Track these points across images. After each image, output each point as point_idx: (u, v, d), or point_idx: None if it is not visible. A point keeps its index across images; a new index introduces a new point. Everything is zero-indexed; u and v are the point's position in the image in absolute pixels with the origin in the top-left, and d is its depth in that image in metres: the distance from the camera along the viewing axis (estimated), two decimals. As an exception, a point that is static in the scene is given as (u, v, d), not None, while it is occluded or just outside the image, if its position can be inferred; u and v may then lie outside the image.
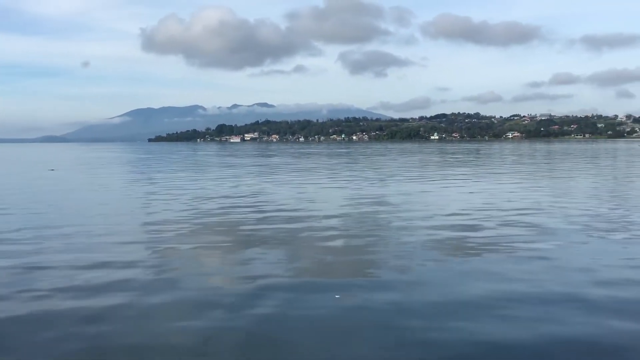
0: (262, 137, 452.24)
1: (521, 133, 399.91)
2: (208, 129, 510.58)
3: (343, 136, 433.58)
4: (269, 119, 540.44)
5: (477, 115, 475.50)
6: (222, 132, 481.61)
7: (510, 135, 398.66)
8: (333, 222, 19.93)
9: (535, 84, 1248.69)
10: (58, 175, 48.85)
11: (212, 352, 8.37)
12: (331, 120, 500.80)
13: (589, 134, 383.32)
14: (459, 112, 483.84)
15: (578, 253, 14.38)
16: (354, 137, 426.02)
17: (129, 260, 13.82)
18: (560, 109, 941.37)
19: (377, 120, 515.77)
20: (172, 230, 18.30)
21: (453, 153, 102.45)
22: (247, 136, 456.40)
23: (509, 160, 73.96)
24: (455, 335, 8.78)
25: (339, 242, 16.12)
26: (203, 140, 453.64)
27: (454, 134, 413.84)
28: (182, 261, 13.90)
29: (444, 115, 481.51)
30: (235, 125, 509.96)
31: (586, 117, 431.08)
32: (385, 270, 12.77)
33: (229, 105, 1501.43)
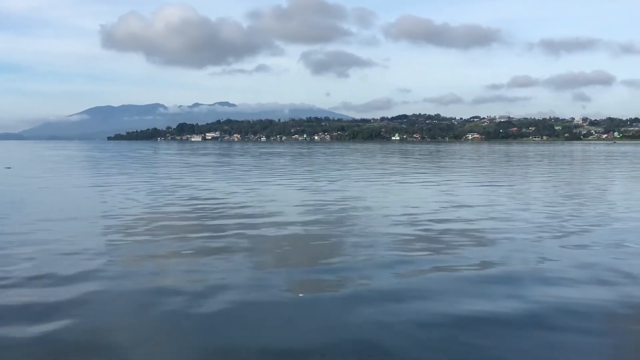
0: (223, 137, 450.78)
1: (481, 134, 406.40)
2: (169, 127, 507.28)
3: (305, 136, 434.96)
4: (230, 118, 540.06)
5: (437, 116, 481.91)
6: (183, 131, 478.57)
7: (470, 136, 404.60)
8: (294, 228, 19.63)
9: (495, 87, 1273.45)
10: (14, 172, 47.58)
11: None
12: (293, 120, 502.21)
13: (547, 136, 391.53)
14: (420, 113, 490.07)
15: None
16: (316, 137, 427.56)
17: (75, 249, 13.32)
18: (518, 111, 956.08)
19: (339, 120, 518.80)
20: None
21: (412, 153, 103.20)
22: (209, 135, 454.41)
23: (466, 161, 74.63)
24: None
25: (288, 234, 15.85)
26: (164, 139, 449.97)
27: (414, 135, 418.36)
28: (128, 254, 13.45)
29: (405, 116, 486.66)
30: (197, 124, 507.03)
31: (544, 119, 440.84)
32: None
33: (190, 104, 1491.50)
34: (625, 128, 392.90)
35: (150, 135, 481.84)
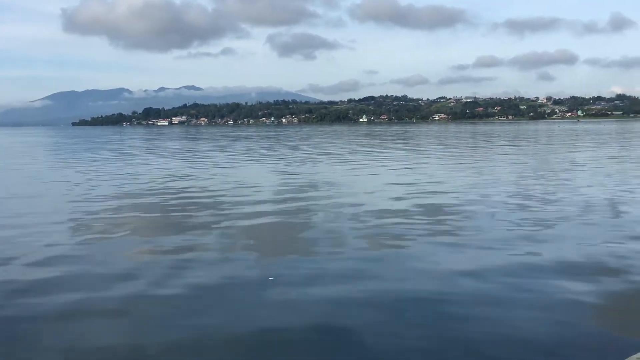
0: (190, 121, 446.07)
1: (447, 115, 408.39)
2: (134, 112, 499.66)
3: (272, 119, 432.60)
4: (197, 102, 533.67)
5: (404, 97, 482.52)
6: (149, 115, 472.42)
7: (437, 117, 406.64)
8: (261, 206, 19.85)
9: (461, 67, 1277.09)
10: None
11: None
12: (260, 103, 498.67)
13: (512, 115, 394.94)
14: (387, 95, 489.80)
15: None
16: (284, 120, 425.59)
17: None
18: (484, 92, 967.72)
19: (307, 103, 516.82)
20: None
21: (379, 135, 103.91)
22: (175, 120, 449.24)
23: (432, 141, 75.43)
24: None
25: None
26: (129, 124, 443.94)
27: (382, 117, 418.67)
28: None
29: (372, 97, 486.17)
30: (163, 108, 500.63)
31: (509, 99, 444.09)
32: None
33: (156, 88, 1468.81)
34: (589, 106, 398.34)
35: (116, 120, 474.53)
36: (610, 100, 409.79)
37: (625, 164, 34.35)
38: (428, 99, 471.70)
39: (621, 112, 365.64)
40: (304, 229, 15.17)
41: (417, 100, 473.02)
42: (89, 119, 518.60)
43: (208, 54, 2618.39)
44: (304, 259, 12.07)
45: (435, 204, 19.37)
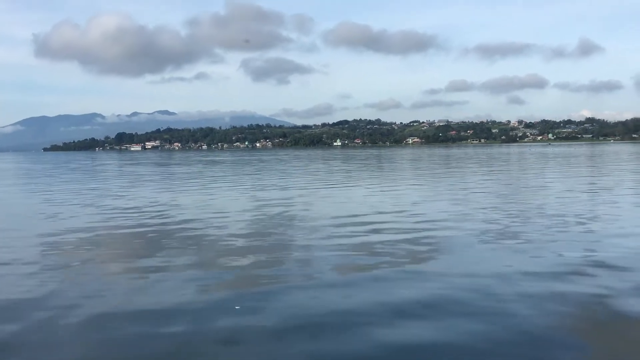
0: (163, 145, 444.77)
1: (421, 138, 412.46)
2: (107, 137, 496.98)
3: (247, 143, 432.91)
4: (170, 126, 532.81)
5: (378, 121, 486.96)
6: (122, 140, 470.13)
7: (410, 140, 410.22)
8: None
9: (433, 91, 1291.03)
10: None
11: None
12: (234, 127, 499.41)
13: (484, 139, 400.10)
14: (360, 119, 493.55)
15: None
16: (258, 145, 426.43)
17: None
18: (457, 115, 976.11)
19: (281, 127, 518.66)
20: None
21: (354, 158, 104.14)
22: (149, 144, 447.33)
23: (406, 166, 75.79)
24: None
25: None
26: (102, 149, 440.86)
27: (356, 140, 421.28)
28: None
29: (346, 121, 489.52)
30: (136, 133, 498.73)
31: (481, 122, 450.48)
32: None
33: (129, 113, 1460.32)
34: (559, 130, 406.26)
35: (88, 145, 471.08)
36: (580, 123, 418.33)
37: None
38: (401, 123, 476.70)
39: (591, 135, 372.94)
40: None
41: (391, 124, 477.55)
42: (61, 144, 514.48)
43: (182, 79, 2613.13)
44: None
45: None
